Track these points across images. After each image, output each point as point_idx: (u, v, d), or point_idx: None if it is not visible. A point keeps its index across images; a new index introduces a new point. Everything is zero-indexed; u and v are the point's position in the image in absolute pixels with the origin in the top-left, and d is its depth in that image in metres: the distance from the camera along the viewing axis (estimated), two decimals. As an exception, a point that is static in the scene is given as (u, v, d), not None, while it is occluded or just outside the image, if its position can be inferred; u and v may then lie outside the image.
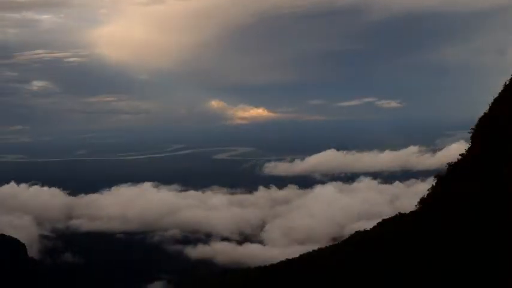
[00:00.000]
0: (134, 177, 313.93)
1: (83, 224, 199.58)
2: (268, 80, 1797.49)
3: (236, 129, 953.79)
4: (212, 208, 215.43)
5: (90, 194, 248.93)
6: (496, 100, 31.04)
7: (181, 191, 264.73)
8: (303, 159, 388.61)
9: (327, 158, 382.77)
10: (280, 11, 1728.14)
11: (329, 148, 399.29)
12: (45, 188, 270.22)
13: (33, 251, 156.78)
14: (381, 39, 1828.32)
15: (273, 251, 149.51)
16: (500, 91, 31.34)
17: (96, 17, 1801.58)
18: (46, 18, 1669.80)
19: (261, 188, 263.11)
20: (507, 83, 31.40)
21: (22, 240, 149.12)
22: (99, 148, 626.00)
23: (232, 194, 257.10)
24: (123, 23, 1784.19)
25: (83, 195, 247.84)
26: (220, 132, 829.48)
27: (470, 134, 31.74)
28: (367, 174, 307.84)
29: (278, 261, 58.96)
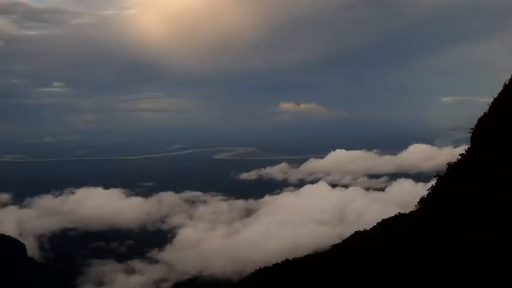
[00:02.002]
0: (128, 178, 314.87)
1: (70, 224, 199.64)
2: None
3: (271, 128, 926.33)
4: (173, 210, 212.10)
5: (77, 194, 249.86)
6: (495, 100, 31.02)
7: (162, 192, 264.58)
8: (305, 160, 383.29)
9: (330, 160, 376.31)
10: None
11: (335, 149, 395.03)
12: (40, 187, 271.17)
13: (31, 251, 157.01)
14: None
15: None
16: (500, 91, 31.28)
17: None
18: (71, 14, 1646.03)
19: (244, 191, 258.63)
20: (507, 82, 31.34)
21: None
22: (99, 148, 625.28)
23: (211, 196, 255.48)
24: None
25: (71, 194, 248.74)
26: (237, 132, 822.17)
27: (470, 134, 31.71)
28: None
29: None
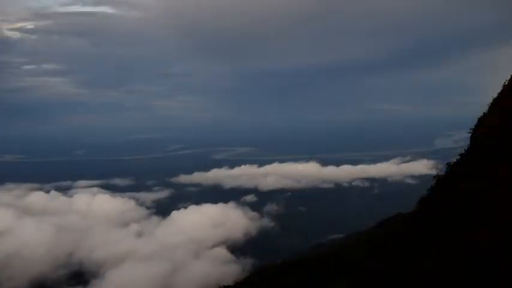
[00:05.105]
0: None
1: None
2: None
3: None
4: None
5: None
6: (495, 100, 31.05)
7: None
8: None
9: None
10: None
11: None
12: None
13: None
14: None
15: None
16: (499, 91, 31.32)
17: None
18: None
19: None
20: (506, 82, 31.38)
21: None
22: (99, 148, 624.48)
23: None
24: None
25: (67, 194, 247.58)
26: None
27: (470, 134, 31.73)
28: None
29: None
